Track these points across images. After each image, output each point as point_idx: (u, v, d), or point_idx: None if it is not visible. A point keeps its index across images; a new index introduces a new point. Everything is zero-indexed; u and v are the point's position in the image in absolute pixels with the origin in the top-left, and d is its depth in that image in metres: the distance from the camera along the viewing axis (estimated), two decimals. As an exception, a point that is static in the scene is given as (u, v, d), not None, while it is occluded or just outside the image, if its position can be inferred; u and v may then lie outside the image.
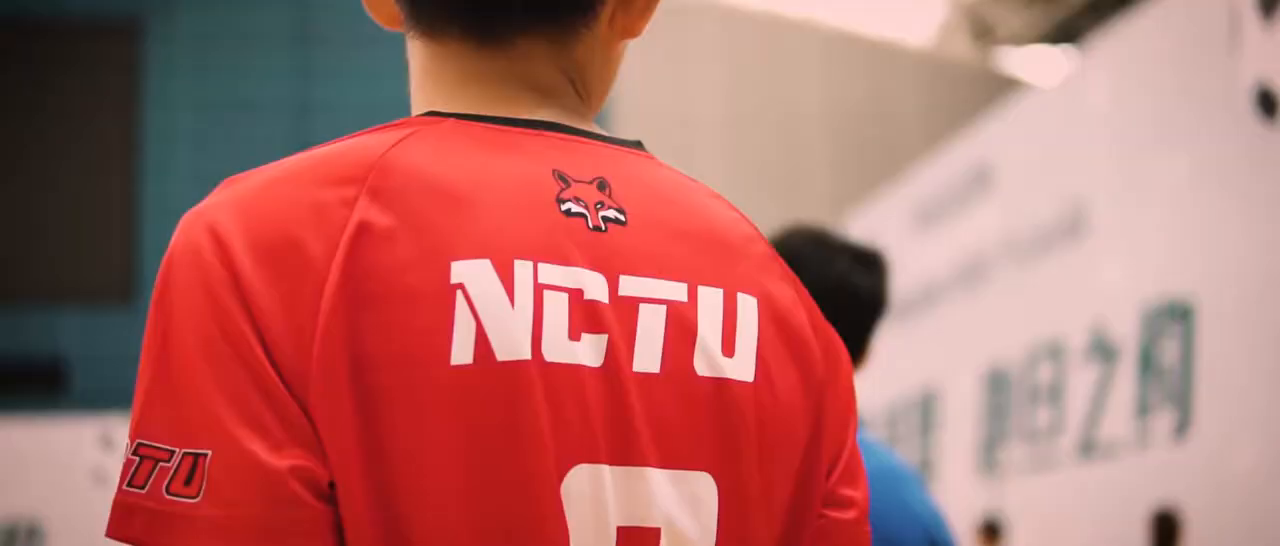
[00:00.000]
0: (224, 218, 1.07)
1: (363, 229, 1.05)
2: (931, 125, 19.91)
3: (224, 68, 14.77)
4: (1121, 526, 9.08)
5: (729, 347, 1.15)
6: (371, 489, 1.03)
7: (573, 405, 1.07)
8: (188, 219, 1.09)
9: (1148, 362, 9.32)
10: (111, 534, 1.04)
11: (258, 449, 1.02)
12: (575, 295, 1.09)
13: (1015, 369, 11.38)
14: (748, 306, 1.17)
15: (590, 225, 1.12)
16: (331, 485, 1.03)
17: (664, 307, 1.13)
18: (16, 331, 15.55)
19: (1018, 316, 11.43)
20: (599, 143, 1.18)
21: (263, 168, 1.12)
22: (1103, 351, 9.90)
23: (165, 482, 1.02)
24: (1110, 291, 9.94)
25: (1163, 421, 9.07)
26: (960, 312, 12.62)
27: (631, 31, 1.23)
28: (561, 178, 1.13)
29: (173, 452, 1.03)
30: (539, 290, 1.08)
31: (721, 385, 1.14)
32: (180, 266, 1.07)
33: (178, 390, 1.04)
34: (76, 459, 12.74)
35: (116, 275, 15.41)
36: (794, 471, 1.18)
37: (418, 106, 1.21)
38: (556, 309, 1.08)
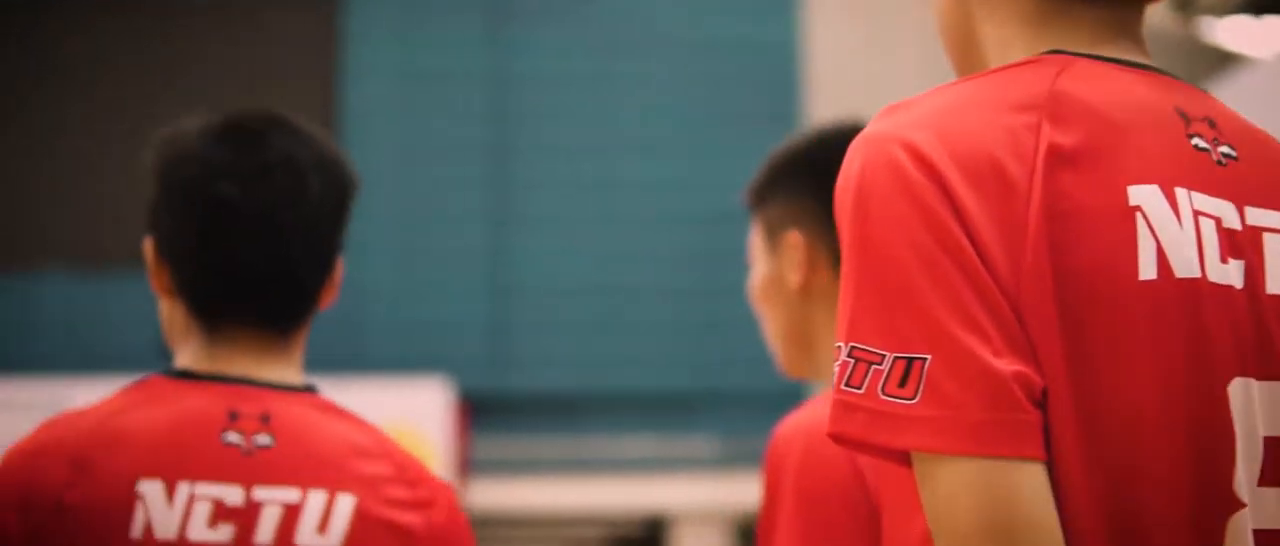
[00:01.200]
0: (921, 137, 1.14)
1: (1053, 151, 1.14)
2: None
3: (421, 38, 14.95)
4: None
5: None
6: (1074, 393, 1.10)
7: (1228, 322, 1.16)
8: (873, 140, 1.17)
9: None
10: (833, 429, 1.13)
11: (983, 353, 1.08)
12: (1217, 222, 1.18)
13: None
14: None
15: (1214, 159, 1.21)
16: (1044, 392, 1.10)
17: None
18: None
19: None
20: (1190, 85, 1.26)
21: (924, 96, 1.20)
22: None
23: (880, 384, 1.10)
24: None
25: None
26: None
27: None
28: (1183, 115, 1.22)
29: (884, 356, 1.10)
30: (1196, 215, 1.17)
31: None
32: (879, 180, 1.14)
33: (888, 297, 1.11)
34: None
35: (318, 245, 15.69)
36: None
37: (1003, 44, 1.29)
38: (1209, 233, 1.17)
